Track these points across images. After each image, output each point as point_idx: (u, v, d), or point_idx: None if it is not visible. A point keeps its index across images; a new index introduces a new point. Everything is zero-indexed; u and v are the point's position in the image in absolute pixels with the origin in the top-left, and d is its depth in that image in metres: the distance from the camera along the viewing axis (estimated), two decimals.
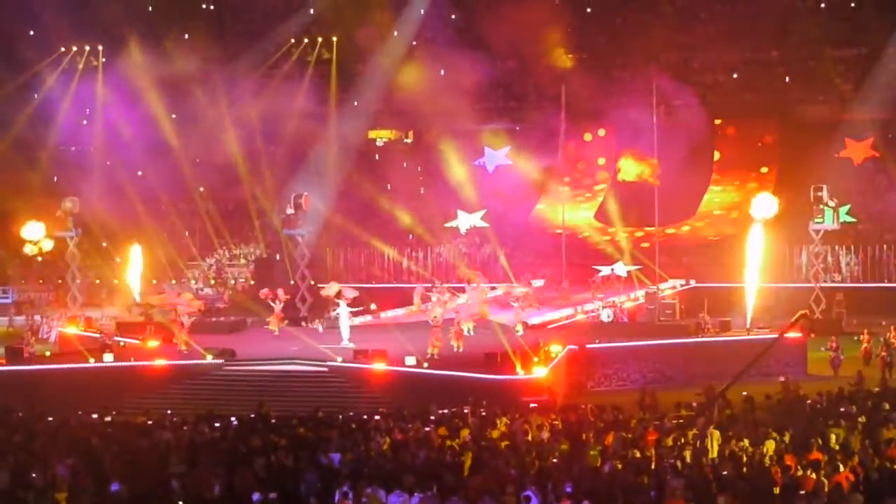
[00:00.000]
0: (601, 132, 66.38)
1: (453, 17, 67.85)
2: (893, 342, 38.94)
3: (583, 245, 60.04)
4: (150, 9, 66.81)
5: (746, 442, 23.94)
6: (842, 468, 21.16)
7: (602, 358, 39.80)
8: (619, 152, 62.96)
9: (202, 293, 54.81)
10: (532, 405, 31.67)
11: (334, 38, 67.65)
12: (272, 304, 45.44)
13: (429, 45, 64.13)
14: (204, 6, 70.04)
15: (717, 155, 66.42)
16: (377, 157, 69.59)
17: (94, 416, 31.07)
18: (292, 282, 52.29)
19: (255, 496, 20.57)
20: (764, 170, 64.03)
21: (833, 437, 24.14)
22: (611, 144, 65.86)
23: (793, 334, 38.35)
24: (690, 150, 60.92)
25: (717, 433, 24.75)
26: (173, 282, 58.61)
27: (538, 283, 52.95)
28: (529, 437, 25.72)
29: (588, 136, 66.55)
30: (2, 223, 57.70)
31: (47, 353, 44.27)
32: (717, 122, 66.00)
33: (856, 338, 40.86)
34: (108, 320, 49.95)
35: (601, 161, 66.86)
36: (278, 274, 57.19)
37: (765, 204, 46.60)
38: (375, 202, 63.00)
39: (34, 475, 22.30)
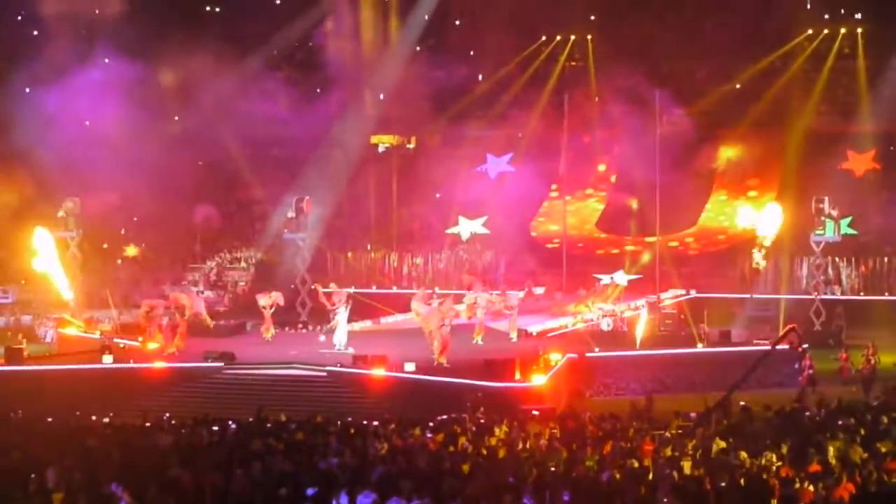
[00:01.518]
0: (602, 140, 66.14)
1: (457, 22, 67.80)
2: (872, 359, 38.72)
3: (584, 253, 59.97)
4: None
5: (744, 454, 23.87)
6: (841, 481, 21.13)
7: (601, 367, 39.79)
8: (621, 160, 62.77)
9: (203, 295, 54.57)
10: (534, 412, 31.66)
11: None
12: (264, 311, 45.00)
13: (432, 50, 64.06)
14: (208, 8, 69.82)
15: (718, 164, 66.22)
16: (379, 162, 69.47)
17: (93, 417, 31.11)
18: (292, 286, 52.03)
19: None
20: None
21: (831, 449, 24.09)
22: (612, 152, 65.72)
23: (782, 347, 38.30)
24: (692, 160, 60.93)
25: (722, 443, 24.68)
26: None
27: (539, 290, 52.84)
28: (527, 445, 25.69)
29: (587, 139, 66.37)
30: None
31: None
32: (719, 131, 65.83)
33: (833, 356, 40.47)
34: (109, 321, 49.83)
35: (601, 168, 66.76)
36: (279, 278, 57.01)
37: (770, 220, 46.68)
38: (377, 207, 62.90)
39: (31, 476, 22.30)
